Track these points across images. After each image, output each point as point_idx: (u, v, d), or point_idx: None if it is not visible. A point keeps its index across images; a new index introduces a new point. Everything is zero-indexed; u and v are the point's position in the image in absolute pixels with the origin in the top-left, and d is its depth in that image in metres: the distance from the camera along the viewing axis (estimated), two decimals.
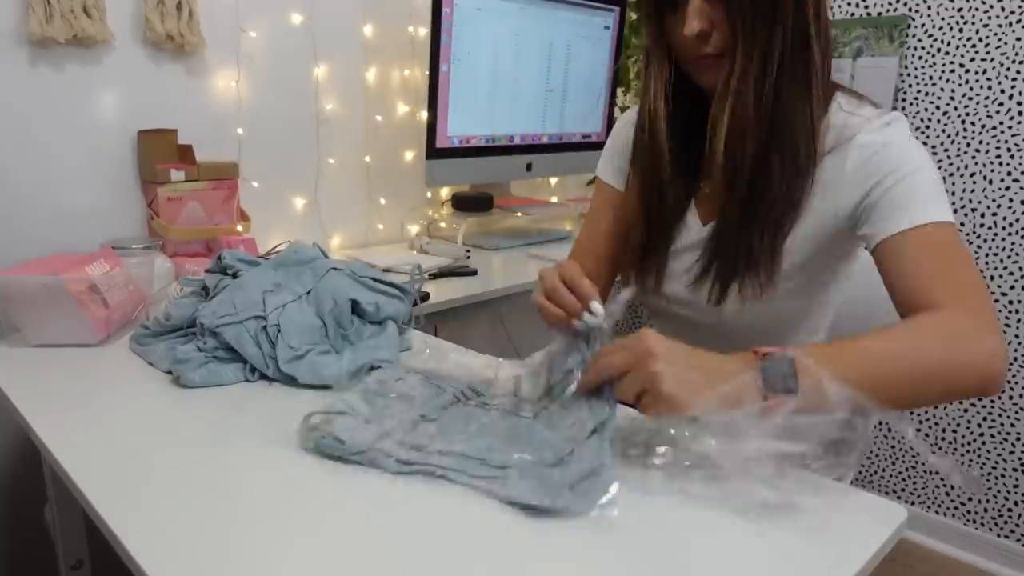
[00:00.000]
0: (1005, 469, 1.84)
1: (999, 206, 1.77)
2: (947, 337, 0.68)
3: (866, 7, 1.92)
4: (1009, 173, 1.75)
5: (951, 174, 1.84)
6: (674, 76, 0.88)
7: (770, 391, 0.62)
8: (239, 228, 1.46)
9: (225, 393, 0.86)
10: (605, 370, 0.67)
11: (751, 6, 0.78)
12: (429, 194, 1.99)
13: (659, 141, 0.91)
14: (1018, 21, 1.69)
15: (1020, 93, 1.71)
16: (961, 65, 1.79)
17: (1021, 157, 1.72)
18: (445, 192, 2.00)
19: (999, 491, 1.86)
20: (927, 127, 1.86)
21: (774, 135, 0.82)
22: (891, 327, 0.70)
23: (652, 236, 0.96)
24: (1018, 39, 1.69)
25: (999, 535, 1.87)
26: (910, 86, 1.87)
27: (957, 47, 1.79)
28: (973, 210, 1.81)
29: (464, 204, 1.88)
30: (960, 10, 1.77)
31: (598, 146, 1.32)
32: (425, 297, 1.35)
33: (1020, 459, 1.81)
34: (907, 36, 1.86)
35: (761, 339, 0.84)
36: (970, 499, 1.91)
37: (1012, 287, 1.77)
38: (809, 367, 0.62)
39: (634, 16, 2.03)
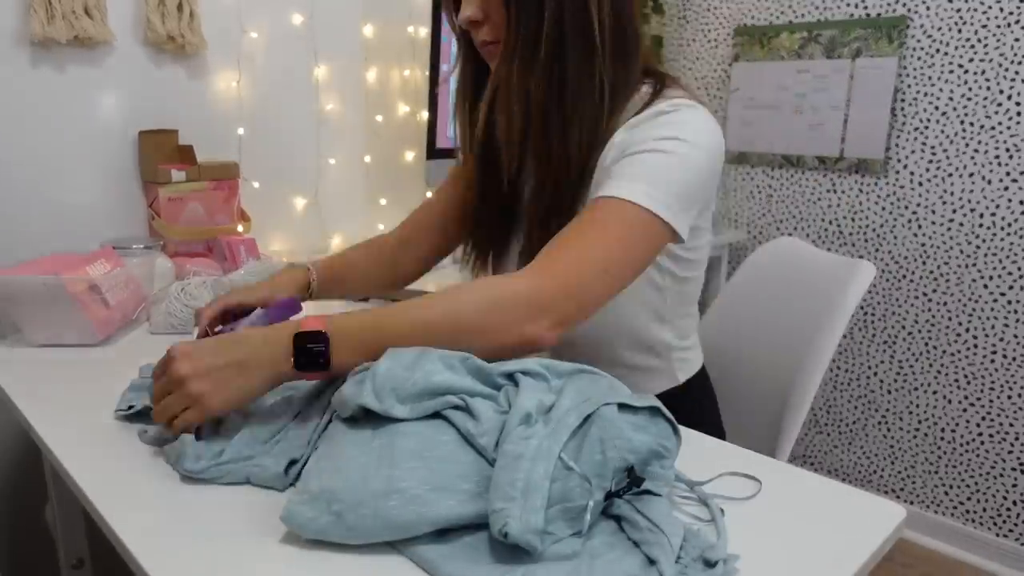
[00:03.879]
0: (1004, 469, 1.84)
1: (998, 206, 1.77)
2: (489, 298, 0.69)
3: (865, 7, 1.92)
4: (1008, 173, 1.75)
5: (950, 175, 1.84)
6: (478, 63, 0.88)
7: (302, 369, 0.66)
8: (239, 228, 1.46)
9: None
10: (162, 412, 0.66)
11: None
12: (429, 194, 1.99)
13: (462, 124, 0.92)
14: (1017, 21, 1.69)
15: (1019, 93, 1.71)
16: (960, 66, 1.79)
17: (1020, 157, 1.73)
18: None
19: (998, 491, 1.86)
20: (927, 127, 1.86)
21: (549, 122, 0.80)
22: (448, 290, 0.72)
23: (481, 234, 0.97)
24: (1017, 39, 1.69)
25: (998, 535, 1.87)
26: (909, 86, 1.87)
27: (956, 48, 1.79)
28: (972, 210, 1.81)
29: None
30: (959, 11, 1.77)
31: None
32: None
33: (1019, 459, 1.81)
34: (906, 36, 1.86)
35: (606, 333, 0.89)
36: (969, 499, 1.91)
37: (1011, 287, 1.77)
38: (345, 342, 0.66)
39: None
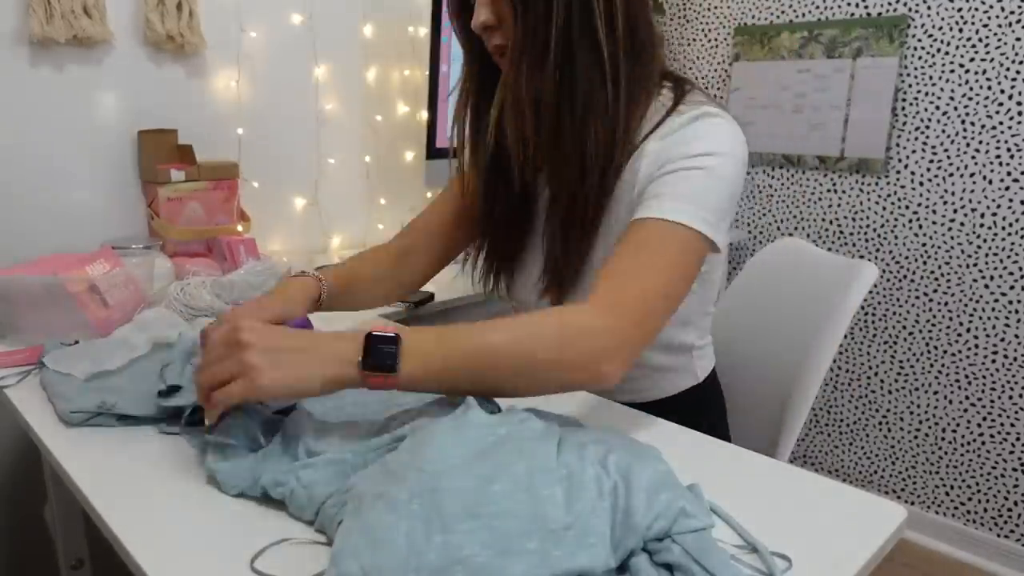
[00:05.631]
0: (1005, 469, 1.84)
1: (999, 206, 1.77)
2: (564, 334, 0.67)
3: (866, 7, 1.92)
4: (1009, 173, 1.75)
5: (951, 174, 1.84)
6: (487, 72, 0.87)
7: (370, 369, 0.62)
8: (239, 228, 1.46)
9: None
10: (209, 376, 0.63)
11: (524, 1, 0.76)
12: (429, 194, 1.99)
13: (468, 129, 0.90)
14: (1018, 21, 1.69)
15: (1020, 93, 1.71)
16: (961, 65, 1.79)
17: (1021, 157, 1.72)
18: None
19: (999, 491, 1.86)
20: (927, 127, 1.86)
21: (561, 126, 0.79)
22: (519, 318, 0.69)
23: (494, 244, 0.96)
24: (1018, 39, 1.69)
25: (999, 535, 1.87)
26: (910, 86, 1.87)
27: (957, 47, 1.79)
28: (973, 210, 1.81)
29: None
30: (960, 10, 1.77)
31: None
32: (430, 297, 1.35)
33: (1020, 459, 1.81)
34: (907, 36, 1.86)
35: None
36: (970, 499, 1.91)
37: (1012, 287, 1.77)
38: (415, 350, 0.64)
39: None
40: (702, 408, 1.01)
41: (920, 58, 1.85)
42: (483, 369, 0.65)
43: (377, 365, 0.63)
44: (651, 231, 0.73)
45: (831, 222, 2.08)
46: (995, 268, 1.79)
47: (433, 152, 1.69)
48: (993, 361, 1.83)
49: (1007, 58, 1.71)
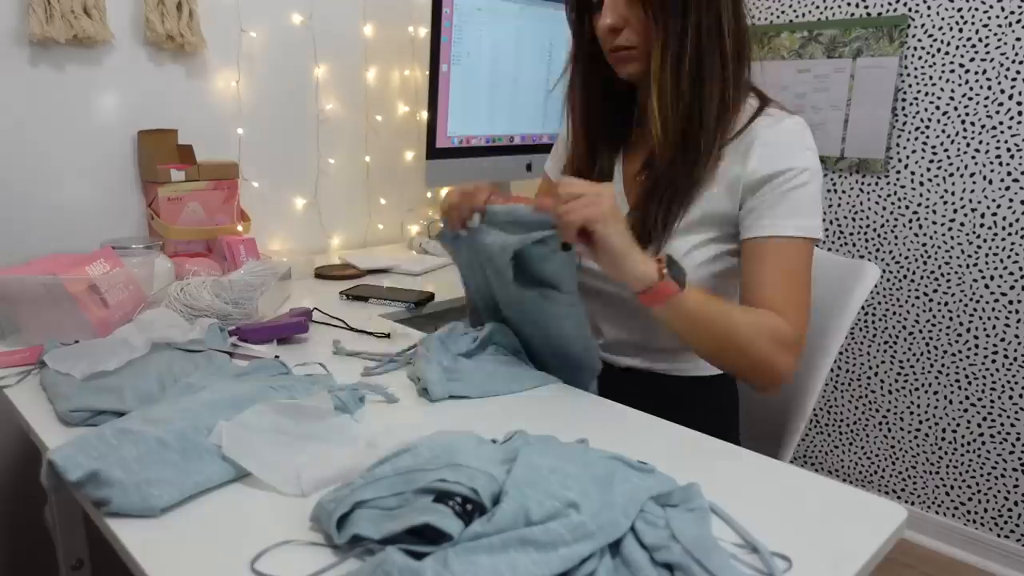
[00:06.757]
0: (1005, 469, 1.84)
1: (999, 206, 1.77)
2: (769, 336, 0.82)
3: (866, 7, 1.92)
4: (1009, 173, 1.75)
5: (951, 174, 1.84)
6: (601, 69, 0.96)
7: (670, 279, 0.78)
8: (239, 228, 1.46)
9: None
10: (572, 213, 0.76)
11: (661, 5, 0.85)
12: (429, 194, 1.99)
13: (577, 128, 1.01)
14: (1018, 21, 1.69)
15: (1020, 93, 1.71)
16: (961, 65, 1.79)
17: (1021, 157, 1.72)
18: (445, 192, 2.00)
19: (999, 491, 1.86)
20: (927, 127, 1.86)
21: (688, 123, 0.88)
22: (746, 308, 0.86)
23: None
24: (1018, 39, 1.69)
25: (999, 535, 1.87)
26: (910, 86, 1.87)
27: (957, 47, 1.79)
28: (973, 210, 1.81)
29: None
30: (960, 10, 1.77)
31: None
32: (430, 297, 1.35)
33: (1020, 459, 1.81)
34: (907, 36, 1.86)
35: None
36: (970, 499, 1.91)
37: (1012, 287, 1.77)
38: (691, 287, 0.80)
39: None
40: (726, 399, 1.05)
41: (920, 58, 1.85)
42: (713, 324, 0.82)
43: (675, 277, 0.78)
44: (789, 249, 0.86)
45: (831, 222, 2.08)
46: (995, 268, 1.79)
47: (433, 152, 1.69)
48: (993, 361, 1.83)
49: (1007, 58, 1.71)
